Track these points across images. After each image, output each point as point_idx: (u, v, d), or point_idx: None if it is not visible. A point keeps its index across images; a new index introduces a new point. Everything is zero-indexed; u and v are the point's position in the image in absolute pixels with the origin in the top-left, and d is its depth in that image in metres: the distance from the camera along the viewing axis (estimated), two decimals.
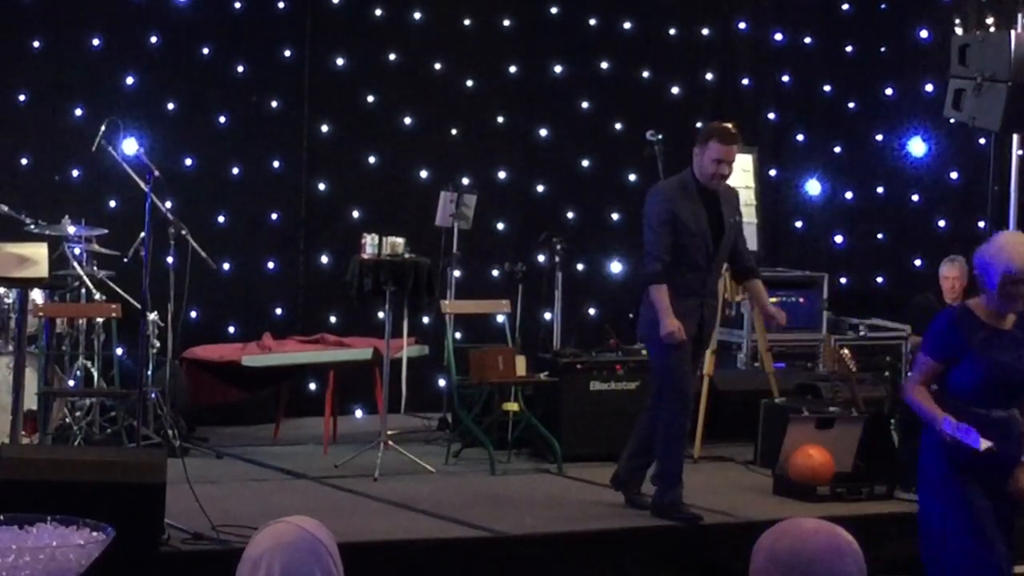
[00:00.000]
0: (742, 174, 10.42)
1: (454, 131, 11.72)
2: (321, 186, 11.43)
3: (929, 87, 12.41)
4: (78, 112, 10.63)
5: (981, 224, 11.45)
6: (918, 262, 12.67)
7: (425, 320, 11.09)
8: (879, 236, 12.85)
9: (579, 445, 9.68)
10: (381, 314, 9.71)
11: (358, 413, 11.21)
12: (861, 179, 12.92)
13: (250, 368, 9.92)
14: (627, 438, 9.90)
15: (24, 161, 10.59)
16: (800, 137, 12.93)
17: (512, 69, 11.94)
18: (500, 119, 11.83)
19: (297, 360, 10.21)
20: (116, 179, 9.85)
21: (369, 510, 8.13)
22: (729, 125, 8.18)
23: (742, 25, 12.70)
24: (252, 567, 2.90)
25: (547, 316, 10.85)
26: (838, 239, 12.94)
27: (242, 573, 2.92)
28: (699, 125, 12.15)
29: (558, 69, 12.08)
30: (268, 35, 11.28)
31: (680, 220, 7.90)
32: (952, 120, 10.34)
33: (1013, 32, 9.81)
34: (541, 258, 10.92)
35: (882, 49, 12.87)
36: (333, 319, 11.22)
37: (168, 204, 9.55)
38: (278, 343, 10.32)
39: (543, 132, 12.01)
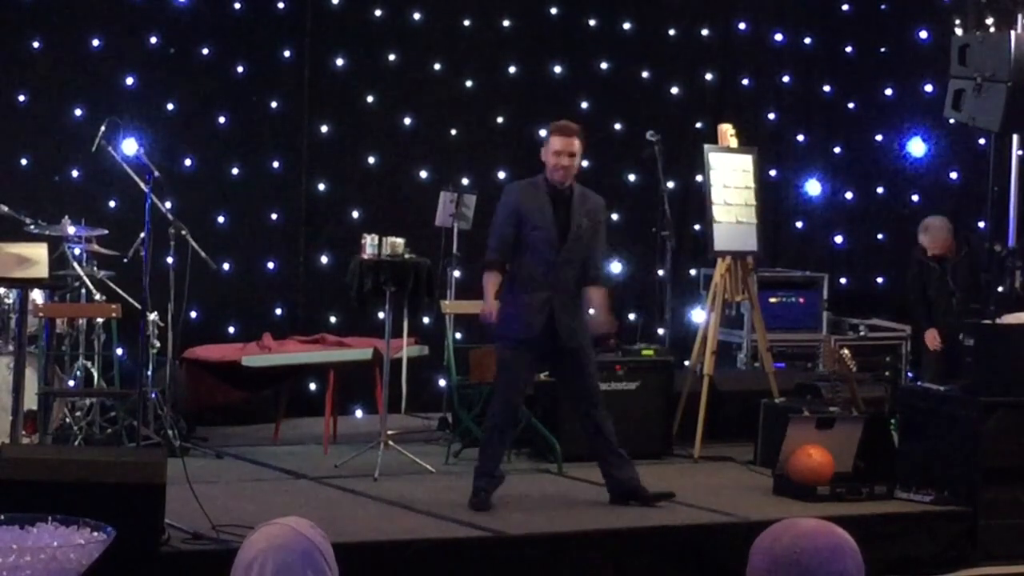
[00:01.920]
0: (742, 174, 10.42)
1: (454, 131, 11.72)
2: (321, 186, 11.43)
3: (929, 87, 12.41)
4: (78, 112, 10.63)
5: (981, 224, 11.47)
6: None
7: (425, 320, 11.09)
8: (879, 236, 12.85)
9: (579, 445, 9.64)
10: (381, 314, 9.70)
11: (358, 413, 11.21)
12: (861, 179, 12.92)
13: (250, 368, 9.92)
14: (627, 438, 9.93)
15: (24, 161, 10.60)
16: (800, 137, 12.94)
17: (512, 69, 11.94)
18: (500, 119, 11.83)
19: (297, 360, 10.21)
20: (116, 179, 9.85)
21: (369, 510, 8.13)
22: (573, 124, 8.33)
23: (742, 25, 12.70)
24: (245, 570, 2.90)
25: None
26: (838, 239, 12.95)
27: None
28: (699, 125, 12.19)
29: (558, 69, 12.09)
30: (268, 35, 11.29)
31: (524, 214, 8.11)
32: (952, 120, 10.34)
33: (1013, 32, 9.82)
34: None
35: (882, 49, 12.88)
36: (333, 319, 11.22)
37: (168, 204, 9.55)
38: (278, 343, 10.32)
39: (543, 132, 11.98)
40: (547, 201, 8.16)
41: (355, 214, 11.40)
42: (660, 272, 10.98)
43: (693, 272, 12.02)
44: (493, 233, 8.29)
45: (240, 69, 11.18)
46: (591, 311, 8.29)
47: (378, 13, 11.56)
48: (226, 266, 10.84)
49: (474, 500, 8.13)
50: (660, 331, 11.44)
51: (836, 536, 2.79)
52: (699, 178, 11.23)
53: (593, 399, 8.39)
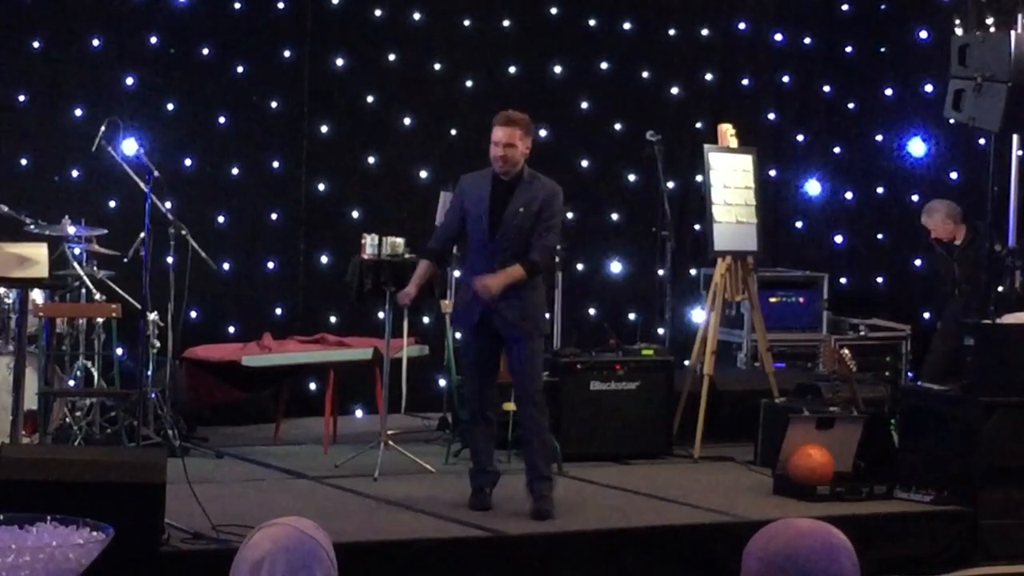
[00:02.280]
0: (742, 174, 10.42)
1: (454, 131, 11.72)
2: (321, 186, 11.43)
3: (929, 87, 12.41)
4: (78, 112, 10.63)
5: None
6: (918, 262, 12.67)
7: (425, 320, 11.09)
8: (879, 236, 12.85)
9: (579, 445, 9.68)
10: (381, 314, 9.71)
11: (358, 413, 11.21)
12: (861, 179, 12.92)
13: (250, 368, 9.91)
14: (627, 438, 9.94)
15: (24, 161, 10.60)
16: (800, 137, 12.94)
17: (512, 69, 11.94)
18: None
19: (297, 360, 10.21)
20: (116, 179, 9.85)
21: (369, 510, 8.12)
22: (517, 113, 8.09)
23: (742, 25, 12.70)
24: (252, 571, 2.89)
25: (547, 316, 10.84)
26: (838, 239, 12.95)
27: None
28: (699, 125, 12.19)
29: (558, 69, 12.09)
30: (268, 35, 11.29)
31: (466, 204, 8.07)
32: (952, 120, 10.34)
33: (1013, 32, 9.82)
34: None
35: (882, 49, 12.88)
36: (333, 319, 11.22)
37: (168, 204, 9.56)
38: (278, 343, 10.32)
39: (543, 132, 12.00)
40: (487, 191, 8.01)
41: (355, 214, 11.40)
42: (660, 272, 10.99)
43: (693, 272, 12.03)
44: (439, 222, 8.39)
45: (240, 69, 11.18)
46: (490, 275, 7.88)
47: (378, 13, 11.56)
48: (226, 266, 10.84)
49: (472, 500, 8.13)
50: (660, 331, 11.44)
51: (832, 536, 2.78)
52: (699, 178, 11.23)
53: (527, 395, 8.09)
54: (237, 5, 11.14)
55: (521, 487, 8.81)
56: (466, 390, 8.29)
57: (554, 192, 8.05)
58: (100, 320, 9.33)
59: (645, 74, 12.37)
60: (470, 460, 8.36)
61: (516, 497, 8.46)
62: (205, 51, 11.07)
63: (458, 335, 8.73)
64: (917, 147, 12.64)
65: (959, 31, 11.12)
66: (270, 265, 11.31)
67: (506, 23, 11.96)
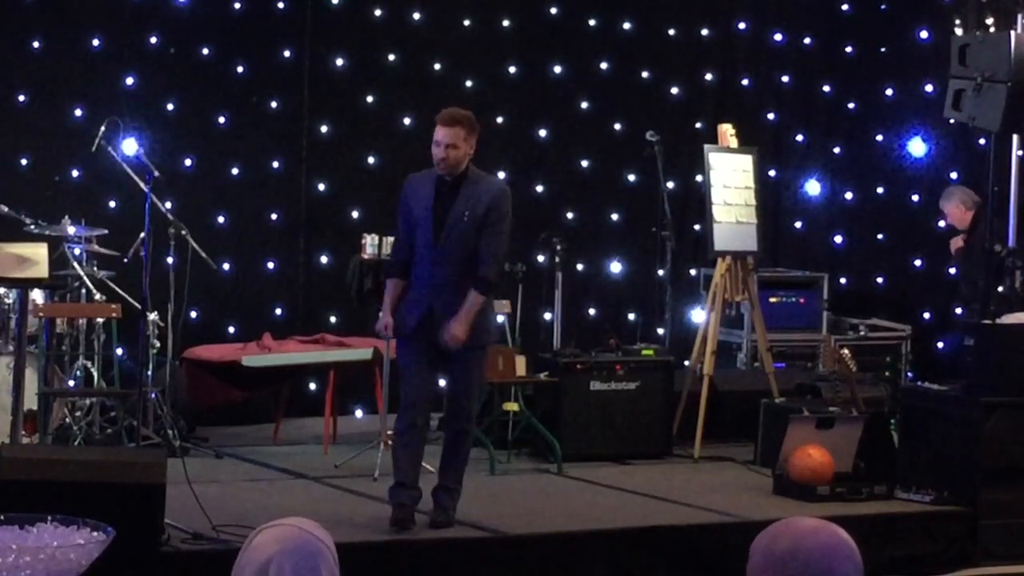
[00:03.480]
0: (742, 174, 10.42)
1: None
2: (321, 186, 11.43)
3: (929, 87, 12.41)
4: (78, 112, 10.63)
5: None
6: (918, 262, 12.68)
7: None
8: (879, 236, 12.85)
9: (579, 445, 9.69)
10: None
11: (358, 413, 11.21)
12: (861, 179, 12.92)
13: (250, 368, 9.91)
14: (626, 438, 9.93)
15: (24, 161, 10.60)
16: (800, 137, 12.94)
17: (512, 69, 11.94)
18: (500, 119, 11.83)
19: (297, 360, 10.21)
20: (116, 179, 9.85)
21: (369, 510, 8.12)
22: (461, 111, 7.67)
23: (742, 25, 12.70)
24: (258, 572, 2.90)
25: (547, 316, 10.85)
26: (838, 239, 12.95)
27: None
28: (699, 125, 12.19)
29: (558, 69, 12.08)
30: (268, 35, 11.29)
31: (409, 210, 7.67)
32: (952, 120, 10.34)
33: (1013, 32, 9.82)
34: (541, 258, 10.92)
35: (882, 49, 12.87)
36: (333, 319, 11.22)
37: (168, 204, 9.56)
38: (278, 343, 10.32)
39: (543, 132, 12.02)
40: (431, 193, 7.61)
41: (355, 214, 11.40)
42: (660, 272, 10.99)
43: (693, 272, 12.02)
44: (396, 234, 7.93)
45: (240, 69, 11.18)
46: (453, 320, 7.48)
47: (378, 13, 11.56)
48: (226, 266, 10.84)
49: (392, 516, 7.59)
50: (660, 331, 11.44)
51: (836, 536, 2.79)
52: (699, 178, 11.24)
53: (462, 409, 7.69)
54: (237, 5, 11.14)
55: (519, 487, 8.84)
56: (404, 397, 7.65)
57: (501, 193, 7.67)
58: (100, 320, 9.33)
59: (645, 74, 12.36)
60: (394, 472, 7.68)
61: (515, 497, 8.47)
62: (205, 51, 11.07)
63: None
64: (917, 147, 12.64)
65: (959, 31, 11.13)
66: (270, 265, 11.31)
67: (506, 23, 11.95)
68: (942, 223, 11.81)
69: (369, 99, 11.53)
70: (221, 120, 11.12)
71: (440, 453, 7.89)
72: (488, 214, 7.57)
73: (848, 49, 12.91)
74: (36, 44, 10.62)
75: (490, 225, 7.57)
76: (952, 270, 12.18)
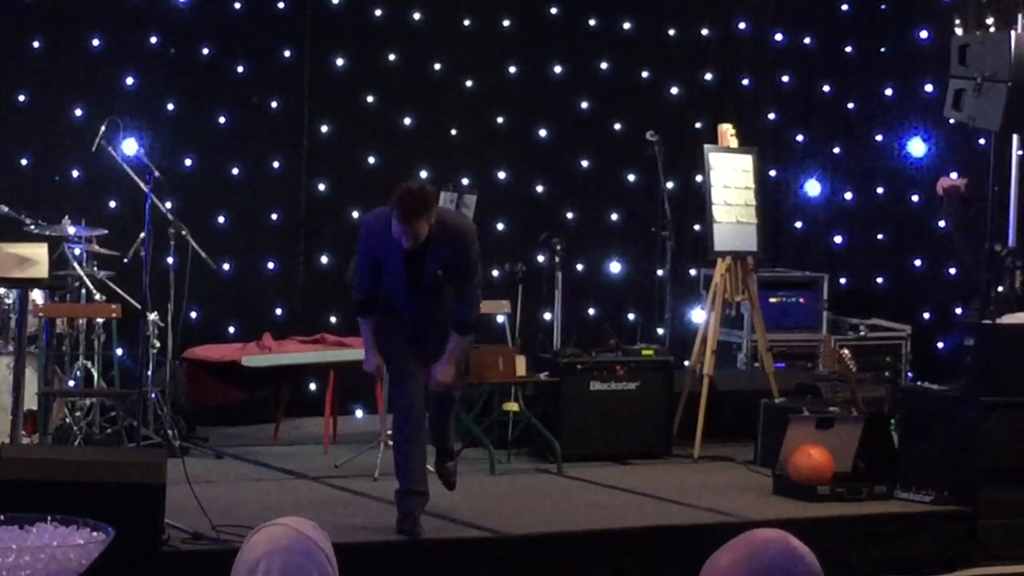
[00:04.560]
0: (742, 174, 10.42)
1: (454, 131, 11.72)
2: (321, 186, 11.43)
3: (929, 87, 12.41)
4: (78, 112, 10.63)
5: None
6: (918, 262, 12.67)
7: None
8: (879, 236, 12.85)
9: (579, 445, 9.68)
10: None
11: (358, 413, 11.21)
12: (861, 179, 12.92)
13: (250, 368, 9.91)
14: (627, 438, 9.93)
15: (24, 161, 10.59)
16: (800, 137, 12.93)
17: (512, 69, 11.94)
18: (500, 119, 11.83)
19: (297, 360, 10.21)
20: (116, 179, 9.86)
21: (369, 510, 8.12)
22: (416, 196, 7.23)
23: (742, 25, 12.69)
24: (249, 571, 2.90)
25: (547, 316, 10.85)
26: (838, 239, 12.94)
27: None
28: (699, 125, 12.19)
29: (558, 69, 12.08)
30: (268, 35, 11.29)
31: (378, 257, 7.47)
32: (952, 120, 10.35)
33: (1013, 32, 9.83)
34: (541, 258, 10.92)
35: (882, 49, 12.87)
36: (333, 319, 11.22)
37: (168, 204, 9.56)
38: (278, 343, 10.32)
39: (543, 132, 12.01)
40: (398, 253, 7.37)
41: (355, 214, 11.38)
42: (660, 272, 10.99)
43: (693, 272, 12.02)
44: (357, 274, 7.70)
45: (240, 69, 11.18)
46: (438, 366, 7.55)
47: (378, 13, 11.55)
48: (226, 266, 10.84)
49: (404, 525, 7.55)
50: (660, 331, 11.44)
51: (789, 538, 2.76)
52: (699, 178, 11.24)
53: (448, 386, 7.73)
54: (237, 5, 11.14)
55: (519, 487, 8.84)
56: (403, 399, 7.59)
57: (466, 238, 7.52)
58: (100, 320, 9.33)
59: (645, 74, 12.36)
60: (401, 480, 7.59)
61: (515, 497, 8.47)
62: (205, 51, 11.07)
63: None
64: (917, 147, 12.63)
65: (959, 31, 11.13)
66: (270, 265, 11.31)
67: (506, 23, 11.95)
68: (942, 223, 11.82)
69: (369, 99, 11.53)
70: (221, 120, 11.12)
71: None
72: (459, 263, 7.50)
73: (848, 49, 12.91)
74: (36, 44, 10.62)
75: (463, 271, 7.53)
76: (952, 269, 12.19)
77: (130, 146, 9.42)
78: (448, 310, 7.57)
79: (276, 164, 11.30)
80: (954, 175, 11.99)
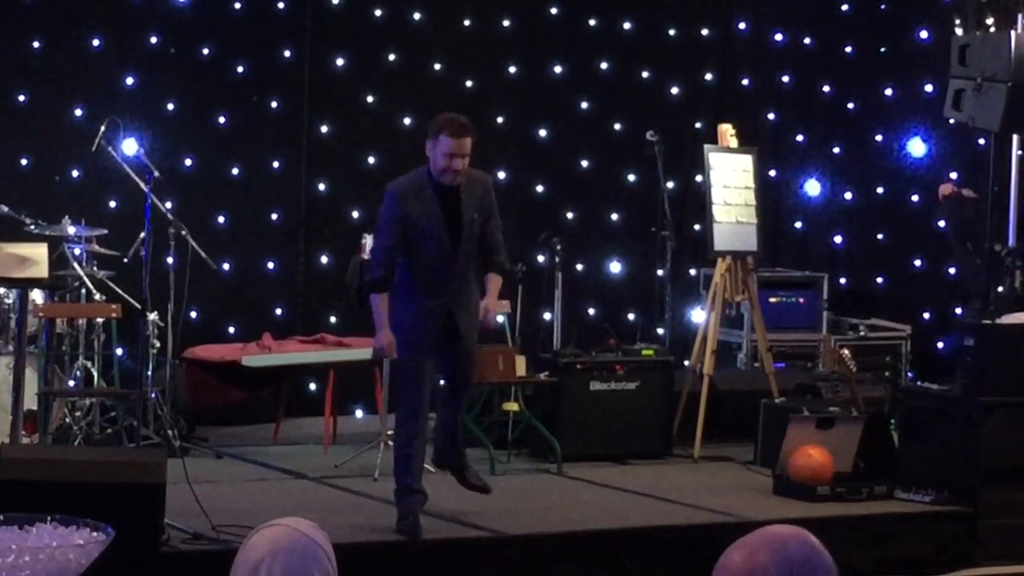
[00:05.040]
0: (742, 174, 10.42)
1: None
2: (321, 186, 11.43)
3: (929, 87, 12.40)
4: (78, 112, 10.63)
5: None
6: (918, 262, 12.67)
7: None
8: (879, 236, 12.85)
9: (579, 445, 9.68)
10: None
11: (358, 413, 11.21)
12: (861, 179, 12.92)
13: (250, 368, 9.91)
14: (626, 438, 9.93)
15: (24, 161, 10.60)
16: (800, 137, 12.93)
17: (512, 69, 11.94)
18: (500, 119, 11.83)
19: (297, 360, 10.20)
20: (116, 179, 9.85)
21: (369, 510, 8.13)
22: (462, 118, 7.48)
23: (742, 25, 12.70)
24: (250, 572, 2.90)
25: (547, 316, 10.85)
26: (838, 239, 12.94)
27: None
28: (699, 125, 12.19)
29: (558, 69, 12.08)
30: (268, 35, 11.29)
31: (411, 220, 7.41)
32: (952, 120, 10.34)
33: (1013, 32, 9.83)
34: (541, 258, 10.92)
35: (882, 49, 12.87)
36: (333, 319, 11.22)
37: (168, 204, 9.56)
38: (278, 343, 10.32)
39: (543, 132, 12.01)
40: (435, 204, 7.43)
41: (355, 214, 11.39)
42: (660, 272, 10.99)
43: (693, 272, 12.03)
44: (377, 246, 7.60)
45: (240, 69, 11.18)
46: (487, 301, 7.67)
47: (378, 13, 11.56)
48: (226, 266, 10.84)
49: (404, 525, 7.51)
50: (660, 331, 11.44)
51: (810, 537, 2.75)
52: (699, 178, 11.24)
53: (467, 376, 7.81)
54: (237, 5, 11.14)
55: (519, 487, 8.84)
56: (414, 402, 7.53)
57: (488, 181, 7.72)
58: (100, 320, 9.33)
59: (645, 74, 12.36)
60: (403, 478, 7.58)
61: (515, 497, 8.46)
62: (205, 51, 11.07)
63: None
64: (917, 147, 12.63)
65: (959, 31, 11.12)
66: (270, 265, 11.31)
67: (506, 23, 11.95)
68: (941, 223, 11.82)
69: (369, 99, 11.53)
70: (221, 120, 11.12)
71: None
72: (490, 207, 7.63)
73: (848, 49, 12.91)
74: (36, 44, 10.63)
75: (492, 218, 7.67)
76: (952, 269, 12.19)
77: (130, 146, 9.42)
78: (474, 282, 7.66)
79: (276, 164, 11.30)
80: (953, 175, 12.00)
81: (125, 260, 9.57)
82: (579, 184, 12.12)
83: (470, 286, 7.66)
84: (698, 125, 12.24)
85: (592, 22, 12.21)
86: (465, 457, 8.01)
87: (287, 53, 11.30)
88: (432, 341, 7.53)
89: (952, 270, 12.20)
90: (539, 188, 11.97)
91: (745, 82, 12.72)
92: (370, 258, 7.81)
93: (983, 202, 10.52)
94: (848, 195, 12.94)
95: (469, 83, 11.79)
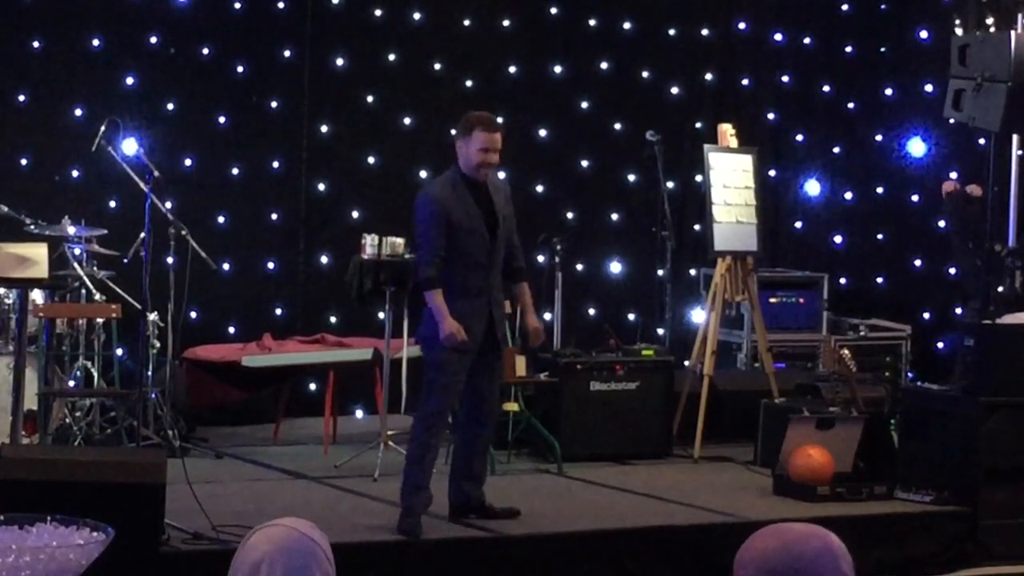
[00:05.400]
0: (742, 174, 10.42)
1: (454, 131, 11.68)
2: (321, 186, 11.43)
3: (929, 87, 12.41)
4: (78, 112, 10.63)
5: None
6: (918, 262, 12.67)
7: None
8: (879, 236, 12.85)
9: (579, 445, 9.68)
10: (381, 314, 9.71)
11: (358, 413, 11.21)
12: (861, 179, 12.92)
13: (250, 368, 9.92)
14: (626, 438, 9.92)
15: (24, 161, 10.60)
16: (800, 137, 12.93)
17: (512, 69, 11.94)
18: (500, 119, 11.77)
19: (297, 360, 10.21)
20: (116, 179, 9.85)
21: (369, 510, 8.13)
22: (490, 115, 7.83)
23: (742, 25, 12.69)
24: (250, 571, 2.90)
25: (547, 316, 10.84)
26: (838, 239, 12.94)
27: None
28: (699, 125, 12.19)
29: (558, 69, 12.08)
30: (268, 35, 11.29)
31: (453, 218, 7.53)
32: (952, 120, 10.34)
33: (1013, 32, 9.83)
34: (541, 258, 10.92)
35: (882, 49, 12.87)
36: (333, 319, 11.22)
37: (168, 204, 9.55)
38: (278, 343, 10.32)
39: (543, 132, 12.01)
40: (471, 201, 7.59)
41: (355, 214, 11.40)
42: (660, 272, 10.99)
43: (693, 272, 12.03)
44: (424, 246, 7.62)
45: (240, 69, 11.18)
46: (529, 318, 7.92)
47: (378, 13, 11.56)
48: (226, 266, 10.84)
49: (406, 523, 7.55)
50: (660, 331, 11.44)
51: (828, 538, 2.76)
52: (699, 178, 11.23)
53: (494, 407, 7.98)
54: (237, 5, 11.14)
55: (519, 487, 8.83)
56: (442, 403, 7.66)
57: (507, 185, 8.03)
58: (100, 320, 9.33)
59: (645, 74, 12.36)
60: (416, 474, 7.63)
61: (515, 497, 8.46)
62: (205, 51, 11.07)
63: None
64: (917, 147, 12.63)
65: (959, 31, 11.13)
66: (270, 265, 11.31)
67: (506, 23, 11.95)
68: (941, 223, 11.82)
69: (369, 99, 11.53)
70: (221, 120, 11.12)
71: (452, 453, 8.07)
72: (512, 213, 7.82)
73: (848, 49, 12.91)
74: (36, 44, 10.63)
75: (513, 222, 7.85)
76: (952, 269, 12.18)
77: (130, 146, 9.42)
78: (502, 281, 7.80)
79: (276, 164, 11.30)
80: (953, 175, 11.99)
81: (125, 260, 9.57)
82: (579, 184, 12.12)
83: (501, 285, 7.81)
84: (698, 125, 12.24)
85: (592, 22, 12.20)
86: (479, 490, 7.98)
87: (287, 53, 11.31)
88: (476, 342, 7.60)
89: (952, 270, 12.20)
90: (539, 188, 11.97)
91: (745, 82, 12.72)
92: (417, 260, 7.83)
93: (984, 202, 10.52)
94: (848, 195, 12.94)
95: (469, 83, 11.79)
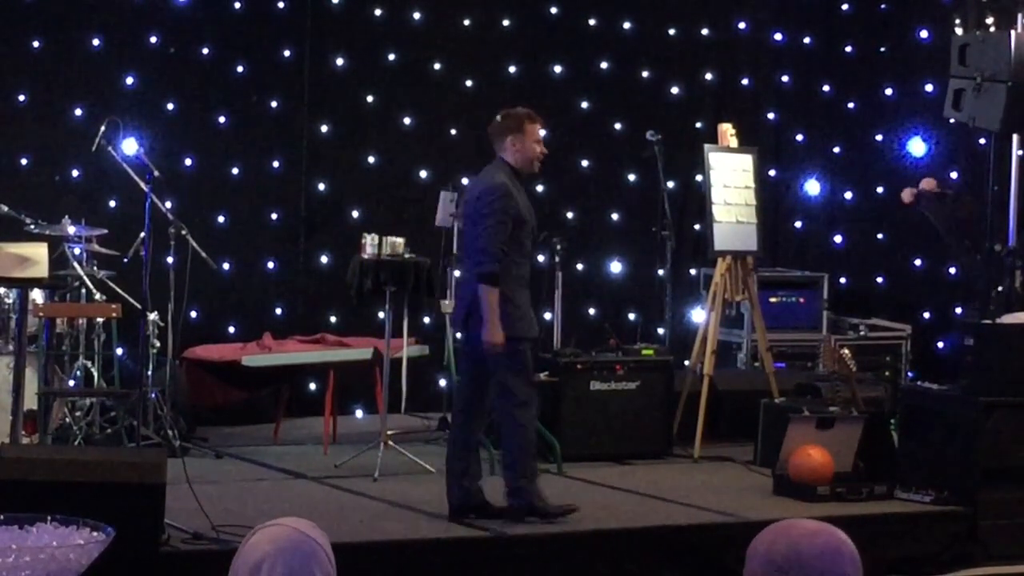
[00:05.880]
0: (742, 174, 10.42)
1: (454, 131, 11.72)
2: (321, 186, 11.44)
3: (929, 87, 12.40)
4: (78, 112, 10.63)
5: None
6: (918, 262, 12.67)
7: (425, 320, 11.09)
8: (879, 236, 12.85)
9: (579, 445, 9.68)
10: (381, 314, 9.71)
11: (358, 413, 11.21)
12: (861, 179, 12.92)
13: (250, 368, 9.92)
14: (626, 438, 9.91)
15: (24, 161, 10.60)
16: (800, 137, 12.94)
17: (512, 69, 11.94)
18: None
19: (297, 360, 10.21)
20: (116, 179, 9.85)
21: (369, 510, 8.13)
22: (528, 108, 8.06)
23: (742, 25, 12.70)
24: (251, 571, 2.90)
25: (547, 316, 10.85)
26: (838, 239, 12.94)
27: None
28: (699, 125, 12.19)
29: (558, 69, 12.08)
30: (268, 35, 11.29)
31: (520, 214, 7.68)
32: (952, 120, 10.34)
33: (1013, 32, 9.82)
34: (541, 258, 10.92)
35: (882, 49, 12.87)
36: (333, 319, 11.22)
37: (168, 204, 9.56)
38: (278, 343, 10.32)
39: (543, 132, 11.98)
40: (523, 192, 7.83)
41: (355, 214, 11.40)
42: (660, 272, 10.99)
43: (693, 272, 12.03)
44: (494, 239, 7.56)
45: (240, 69, 11.18)
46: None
47: (378, 13, 11.56)
48: (226, 266, 10.84)
49: (553, 508, 7.81)
50: (660, 331, 11.44)
51: (836, 537, 2.78)
52: (699, 178, 11.23)
53: (493, 396, 7.96)
54: (237, 5, 11.14)
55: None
56: (529, 394, 7.80)
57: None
58: (100, 320, 9.33)
59: (645, 74, 12.37)
60: (532, 465, 7.86)
61: None
62: (205, 51, 11.07)
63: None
64: (917, 147, 12.63)
65: (959, 31, 11.12)
66: (270, 265, 11.31)
67: (506, 23, 11.96)
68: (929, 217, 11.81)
69: (369, 99, 11.54)
70: (221, 120, 11.12)
71: (448, 453, 8.05)
72: None
73: (848, 49, 12.91)
74: (36, 44, 10.63)
75: None
76: (952, 269, 12.18)
77: (130, 146, 9.42)
78: None
79: (276, 164, 11.30)
80: (954, 174, 11.99)
81: (125, 260, 9.57)
82: (579, 184, 12.12)
83: None
84: (698, 125, 12.25)
85: (592, 22, 12.21)
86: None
87: (287, 53, 11.31)
88: (535, 330, 7.88)
89: (952, 270, 12.20)
90: (539, 188, 11.96)
91: (745, 82, 12.73)
92: (479, 250, 7.66)
93: (953, 189, 10.54)
94: (848, 195, 12.94)
95: (469, 83, 11.79)
